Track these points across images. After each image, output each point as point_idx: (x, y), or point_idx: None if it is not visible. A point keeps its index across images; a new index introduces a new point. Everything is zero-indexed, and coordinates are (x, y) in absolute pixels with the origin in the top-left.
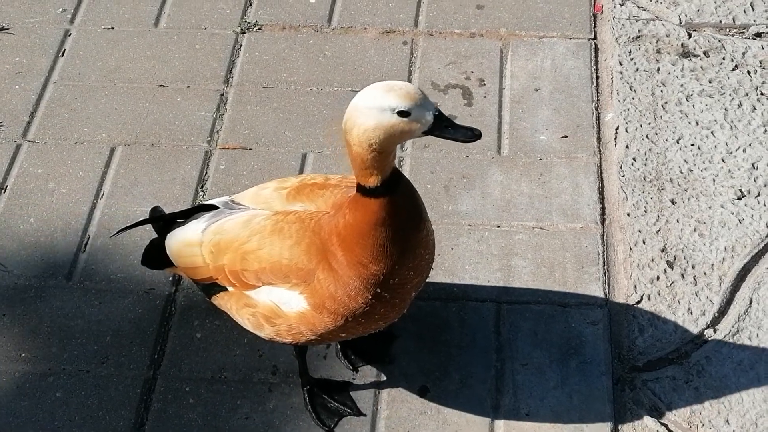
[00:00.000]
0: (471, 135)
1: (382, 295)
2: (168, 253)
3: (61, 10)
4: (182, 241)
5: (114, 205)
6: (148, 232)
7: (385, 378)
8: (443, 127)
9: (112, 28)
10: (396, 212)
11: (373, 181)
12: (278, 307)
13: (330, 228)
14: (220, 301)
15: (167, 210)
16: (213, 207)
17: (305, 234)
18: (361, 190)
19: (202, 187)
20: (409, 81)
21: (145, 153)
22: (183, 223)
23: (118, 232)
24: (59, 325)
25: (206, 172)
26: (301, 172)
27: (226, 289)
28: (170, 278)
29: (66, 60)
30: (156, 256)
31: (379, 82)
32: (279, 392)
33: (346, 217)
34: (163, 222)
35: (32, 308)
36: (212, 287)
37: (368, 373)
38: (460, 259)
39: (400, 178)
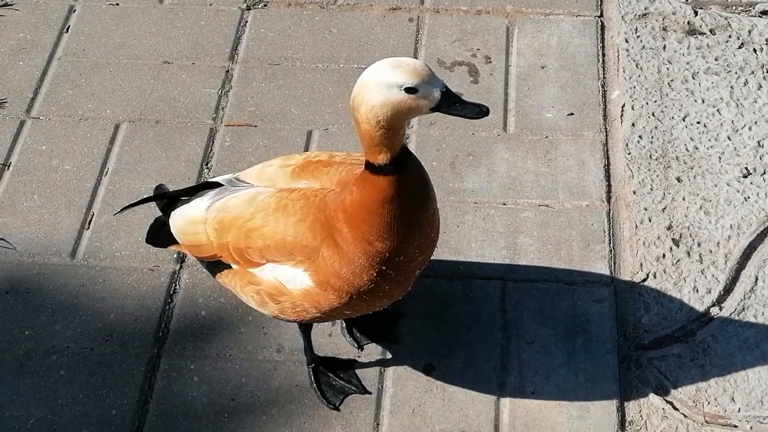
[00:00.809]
0: (479, 111)
1: (387, 272)
2: (172, 230)
3: None
4: (186, 219)
5: (118, 182)
6: (152, 210)
7: (390, 356)
8: (451, 103)
9: (117, 4)
10: (404, 190)
11: (382, 159)
12: (282, 284)
13: (336, 205)
14: (224, 279)
15: (172, 187)
16: (217, 185)
17: (310, 211)
18: (370, 167)
19: (207, 164)
20: (415, 58)
21: (150, 130)
22: (187, 201)
23: (122, 209)
24: (63, 303)
25: (211, 149)
26: (306, 149)
27: (231, 267)
28: (174, 256)
29: (70, 36)
30: (160, 233)
31: (387, 58)
32: (284, 370)
33: (354, 194)
34: (168, 199)
35: (36, 286)
36: (217, 265)
37: (373, 351)
38: (466, 237)
39: (410, 156)
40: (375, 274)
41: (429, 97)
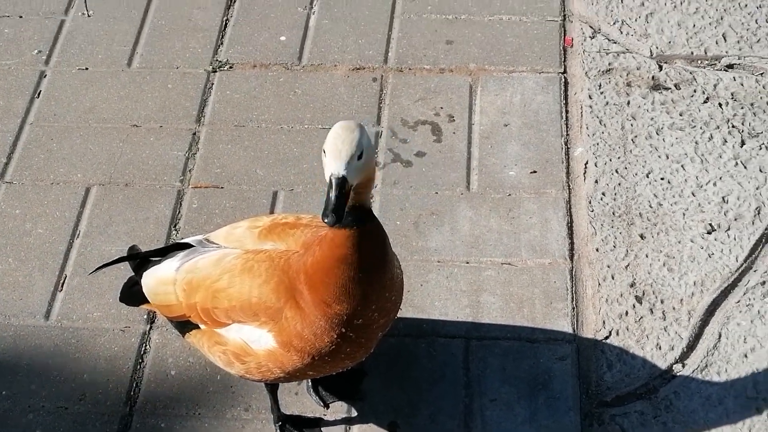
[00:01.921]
0: (324, 215)
1: (347, 334)
2: (144, 290)
3: (36, 51)
4: (157, 279)
5: (89, 245)
6: (124, 271)
7: (355, 414)
8: (327, 191)
9: (87, 68)
10: (359, 248)
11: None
12: (247, 344)
13: (298, 267)
14: (192, 338)
15: (142, 249)
16: (188, 245)
17: (274, 273)
18: None
19: (175, 225)
20: (379, 117)
21: (120, 192)
22: (158, 261)
23: (96, 269)
24: (38, 363)
25: (179, 211)
26: (272, 210)
27: (199, 327)
28: (145, 316)
29: (41, 101)
30: (133, 293)
31: (350, 121)
32: (252, 428)
33: (315, 255)
34: (140, 260)
35: (12, 347)
36: (186, 325)
37: (339, 409)
38: (430, 296)
39: (372, 217)
40: (335, 336)
41: (325, 169)
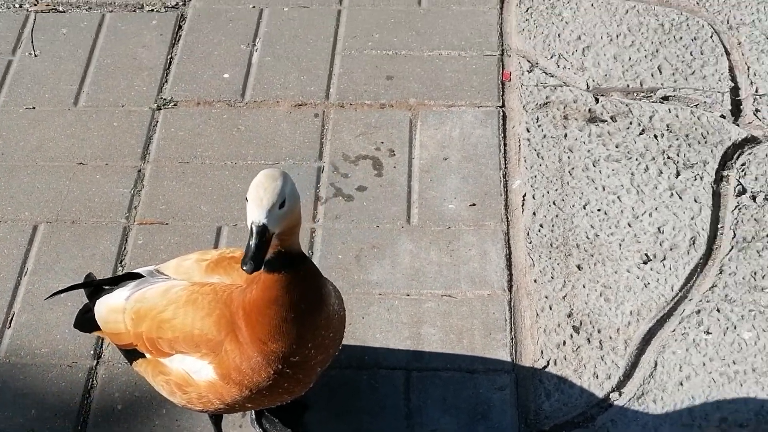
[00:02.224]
0: (243, 262)
1: (285, 371)
2: (96, 317)
3: None
4: (108, 307)
5: (37, 282)
6: (71, 308)
7: None
8: (248, 239)
9: (33, 108)
10: (290, 291)
11: (269, 255)
12: (189, 375)
13: (238, 302)
14: (139, 367)
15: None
16: (139, 275)
17: (217, 306)
18: (266, 265)
19: (121, 262)
20: (321, 153)
21: (66, 230)
22: (111, 290)
23: (52, 294)
24: None
25: (125, 248)
26: (216, 245)
27: (146, 356)
28: (92, 352)
29: None
30: (86, 319)
31: (274, 170)
32: None
33: (253, 292)
34: (94, 288)
35: None
36: (133, 353)
37: None
38: (371, 328)
39: (303, 260)
40: (272, 372)
41: (247, 217)
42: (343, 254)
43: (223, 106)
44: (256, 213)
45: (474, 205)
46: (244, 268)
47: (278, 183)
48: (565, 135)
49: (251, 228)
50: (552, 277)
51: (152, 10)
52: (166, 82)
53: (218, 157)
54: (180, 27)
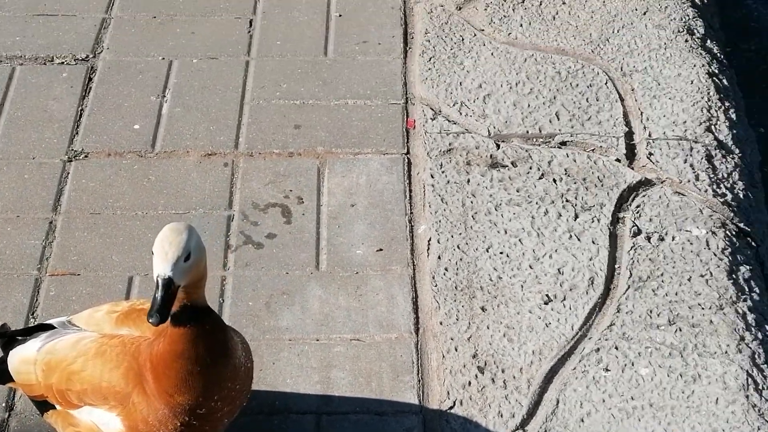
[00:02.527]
0: (149, 314)
1: (191, 422)
2: (9, 368)
3: None
4: (20, 359)
5: None
6: None
7: None
8: (154, 292)
9: None
10: (196, 345)
11: (175, 308)
12: (98, 427)
13: (146, 354)
14: (50, 418)
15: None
16: (52, 327)
17: (125, 358)
18: (172, 318)
19: (32, 314)
20: (231, 201)
21: None
22: (24, 341)
23: None
24: None
25: (37, 299)
26: (128, 295)
27: (56, 408)
28: (3, 404)
29: None
30: (0, 371)
31: (181, 224)
32: None
33: (159, 345)
34: (8, 338)
35: None
36: (45, 404)
37: None
38: (282, 374)
39: (209, 314)
40: (179, 424)
41: (153, 270)
42: (254, 301)
43: (134, 157)
44: (161, 266)
45: (381, 250)
46: (150, 320)
47: (183, 236)
48: (468, 180)
49: (157, 281)
50: (457, 319)
51: (62, 62)
52: (77, 133)
53: (129, 207)
54: (90, 79)
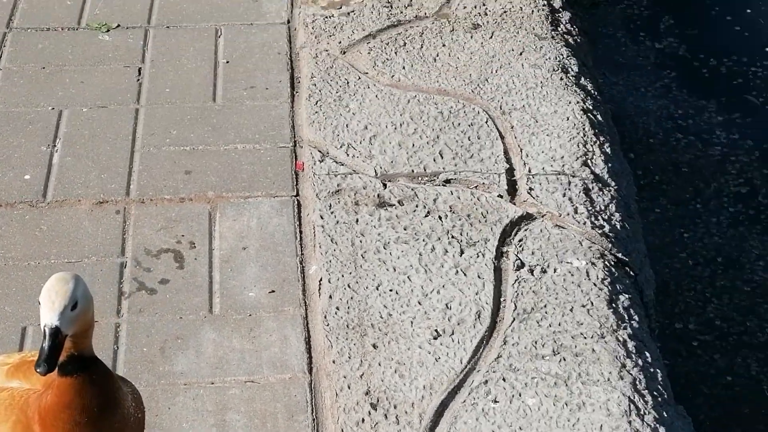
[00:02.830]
0: (36, 364)
1: None
2: None
3: None
4: None
5: None
6: None
7: None
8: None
9: None
10: (83, 395)
11: (62, 358)
12: None
13: (35, 407)
14: None
15: None
16: None
17: (13, 412)
18: (59, 368)
19: None
20: (123, 248)
21: None
22: None
23: None
24: None
25: None
26: (21, 346)
27: None
28: None
29: None
30: None
31: (68, 273)
32: None
33: (47, 398)
34: None
35: None
36: None
37: None
38: (177, 418)
39: (96, 363)
40: None
41: (40, 320)
42: (148, 347)
43: (25, 207)
44: (48, 316)
45: (273, 291)
46: (38, 370)
47: (70, 286)
48: (357, 220)
49: (44, 330)
50: (350, 357)
51: None
52: None
53: (21, 257)
54: None
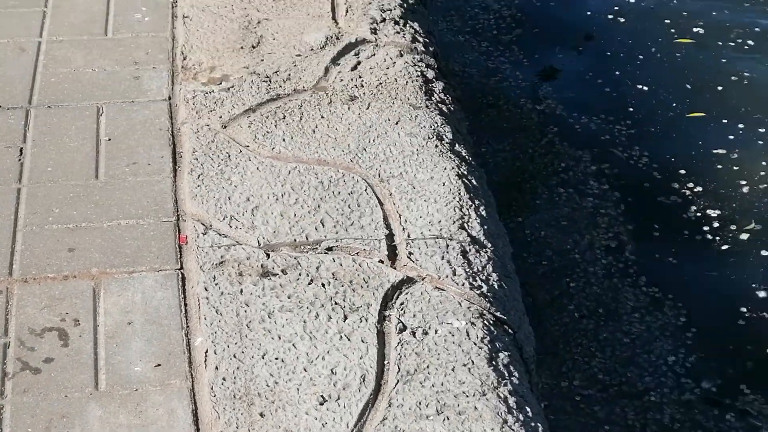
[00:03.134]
0: None
1: None
2: None
3: None
4: None
5: None
6: None
7: None
8: None
9: None
10: None
11: None
12: None
13: None
14: None
15: None
16: None
17: None
18: None
19: None
20: (6, 329)
21: None
22: None
23: None
24: None
25: None
26: None
27: None
28: None
29: None
30: None
31: None
32: None
33: None
34: None
35: None
36: None
37: None
38: None
39: None
40: None
41: None
42: (33, 427)
43: None
44: None
45: (159, 365)
46: None
47: None
48: (241, 291)
49: None
50: (237, 428)
51: None
52: None
53: None
54: None
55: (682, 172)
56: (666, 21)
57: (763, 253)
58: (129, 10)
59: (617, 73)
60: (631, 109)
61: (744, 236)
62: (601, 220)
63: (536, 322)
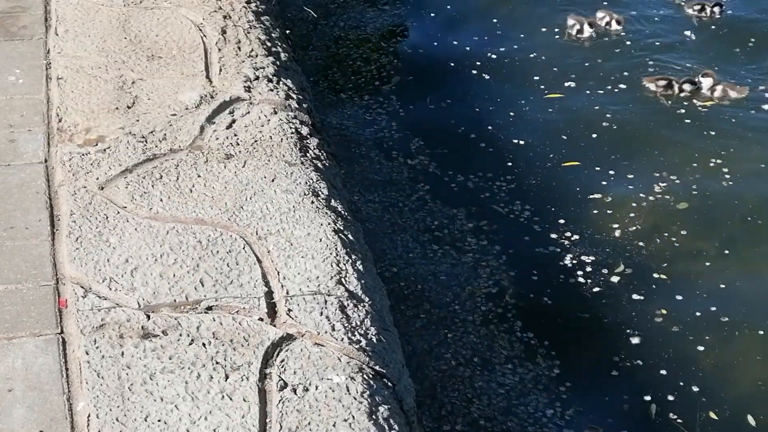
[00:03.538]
0: None
1: None
2: None
3: None
4: None
5: None
6: None
7: None
8: None
9: None
10: None
11: None
12: None
13: None
14: None
15: None
16: None
17: None
18: None
19: None
20: None
21: None
22: None
23: None
24: None
25: None
26: None
27: None
28: None
29: None
30: None
31: None
32: None
33: None
34: None
35: None
36: None
37: None
38: None
39: None
40: None
41: None
42: None
43: None
44: None
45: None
46: None
47: None
48: (123, 353)
49: None
50: None
51: None
52: None
53: None
54: None
55: (561, 221)
56: (535, 78)
57: (634, 297)
58: (3, 72)
59: (489, 128)
60: (510, 164)
61: (615, 279)
62: (482, 272)
63: (416, 367)
